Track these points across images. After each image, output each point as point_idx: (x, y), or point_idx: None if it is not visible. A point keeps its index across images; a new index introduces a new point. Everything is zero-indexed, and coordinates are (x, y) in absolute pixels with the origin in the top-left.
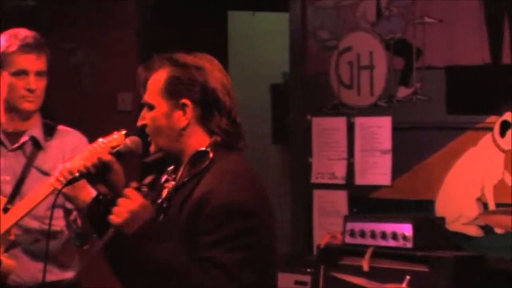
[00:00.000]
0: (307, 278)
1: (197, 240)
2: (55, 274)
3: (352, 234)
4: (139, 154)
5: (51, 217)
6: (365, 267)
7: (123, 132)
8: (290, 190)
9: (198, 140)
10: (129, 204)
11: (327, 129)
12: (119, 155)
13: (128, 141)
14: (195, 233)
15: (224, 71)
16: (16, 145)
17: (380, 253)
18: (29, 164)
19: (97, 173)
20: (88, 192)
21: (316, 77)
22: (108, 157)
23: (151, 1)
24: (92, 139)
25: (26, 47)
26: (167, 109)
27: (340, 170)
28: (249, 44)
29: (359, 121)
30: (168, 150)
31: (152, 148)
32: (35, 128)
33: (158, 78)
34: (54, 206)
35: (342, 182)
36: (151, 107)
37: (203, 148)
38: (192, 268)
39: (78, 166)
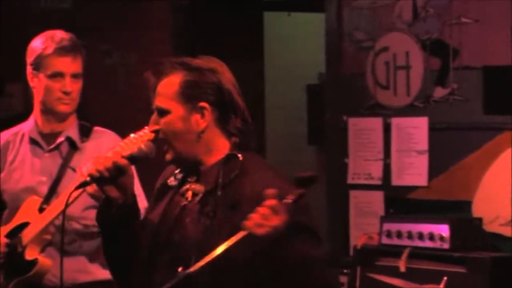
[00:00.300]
0: (343, 279)
1: None
2: (93, 275)
3: (389, 234)
4: (151, 158)
5: (64, 213)
6: (402, 268)
7: (155, 128)
8: (326, 191)
9: (217, 142)
10: (273, 219)
11: (364, 130)
12: (133, 159)
13: (143, 145)
14: None
15: (231, 72)
16: (52, 146)
17: (417, 254)
18: (65, 164)
19: (111, 177)
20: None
21: (352, 78)
22: (123, 161)
23: (186, 2)
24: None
25: (62, 50)
26: (184, 113)
27: (376, 170)
28: (285, 45)
29: (395, 121)
30: (186, 154)
31: (169, 156)
32: (71, 129)
33: (172, 82)
34: (66, 207)
35: (379, 182)
36: (164, 112)
37: (232, 152)
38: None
39: (89, 170)
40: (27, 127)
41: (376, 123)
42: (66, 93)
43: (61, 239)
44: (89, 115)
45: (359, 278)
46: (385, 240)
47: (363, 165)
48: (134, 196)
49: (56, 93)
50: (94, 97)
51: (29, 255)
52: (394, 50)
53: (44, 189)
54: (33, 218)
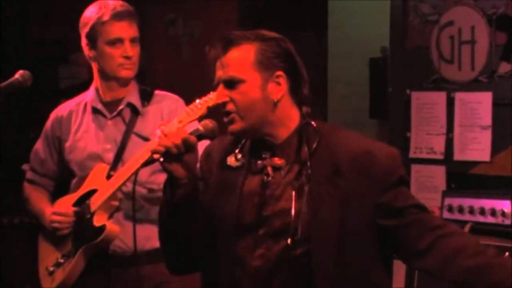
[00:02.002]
0: None
1: (386, 194)
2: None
3: (450, 209)
4: (216, 136)
5: (135, 183)
6: None
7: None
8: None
9: (289, 112)
10: None
11: (427, 104)
12: (200, 136)
13: (209, 123)
14: (377, 189)
15: None
16: (114, 113)
17: (478, 229)
18: (128, 130)
19: (178, 154)
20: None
21: (416, 52)
22: (192, 138)
23: None
24: None
25: (118, 16)
26: (261, 81)
27: (438, 145)
28: (349, 18)
29: (459, 96)
30: (259, 125)
31: (236, 126)
32: (132, 95)
33: (246, 52)
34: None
35: (441, 157)
36: (237, 82)
37: (306, 121)
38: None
39: (153, 146)
40: (88, 96)
41: (439, 97)
42: (127, 58)
43: (133, 206)
44: (153, 84)
45: None
46: (446, 215)
47: (425, 139)
48: (196, 176)
49: (117, 59)
50: (158, 66)
51: (97, 221)
52: (459, 24)
53: (110, 156)
54: (101, 185)
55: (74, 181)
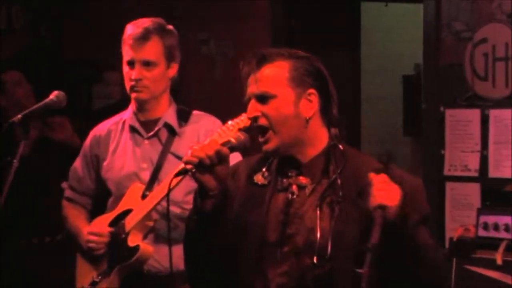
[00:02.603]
0: None
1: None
2: None
3: (486, 227)
4: (248, 148)
5: (168, 200)
6: (499, 261)
7: (254, 114)
8: (422, 182)
9: (319, 132)
10: (392, 186)
11: (461, 121)
12: (232, 148)
13: (241, 135)
14: None
15: None
16: (151, 133)
17: None
18: (165, 150)
19: (211, 165)
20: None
21: (450, 69)
22: (225, 150)
23: None
24: None
25: (132, 37)
26: (294, 97)
27: (473, 162)
28: (382, 35)
29: (493, 113)
30: (290, 142)
31: (271, 145)
32: (168, 115)
33: (279, 68)
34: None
35: (475, 174)
36: (270, 97)
37: (334, 143)
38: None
39: (187, 157)
40: (127, 115)
41: (473, 114)
42: (135, 80)
43: (168, 225)
44: (186, 103)
45: (454, 270)
46: (482, 233)
47: (460, 156)
48: (227, 188)
49: (129, 81)
50: (191, 85)
51: (132, 241)
52: (493, 41)
53: (146, 176)
54: (136, 205)
55: (110, 200)
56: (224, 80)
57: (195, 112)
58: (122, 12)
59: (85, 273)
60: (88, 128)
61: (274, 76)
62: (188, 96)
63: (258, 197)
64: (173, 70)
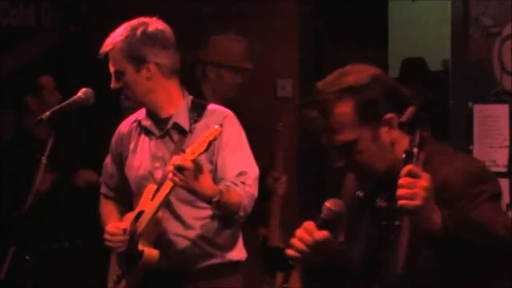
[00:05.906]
0: None
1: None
2: (215, 258)
3: None
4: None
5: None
6: None
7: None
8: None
9: (402, 143)
10: (419, 182)
11: (489, 117)
12: (326, 224)
13: (331, 205)
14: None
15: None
16: (162, 132)
17: None
18: (177, 149)
19: (312, 253)
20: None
21: (478, 64)
22: (321, 235)
23: None
24: (252, 125)
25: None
26: (372, 134)
27: (502, 158)
28: (409, 31)
29: None
30: (382, 171)
31: (367, 184)
32: (179, 114)
33: (344, 113)
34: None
35: (504, 170)
36: (351, 144)
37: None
38: None
39: (290, 252)
40: (141, 114)
41: (502, 110)
42: (118, 90)
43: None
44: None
45: None
46: None
47: (488, 152)
48: (336, 248)
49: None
50: None
51: (142, 244)
52: None
53: (159, 175)
54: (147, 207)
55: (134, 199)
56: (252, 76)
57: (210, 106)
58: (151, 9)
59: (112, 272)
60: (118, 126)
61: (343, 123)
62: None
63: (357, 214)
64: (146, 72)
